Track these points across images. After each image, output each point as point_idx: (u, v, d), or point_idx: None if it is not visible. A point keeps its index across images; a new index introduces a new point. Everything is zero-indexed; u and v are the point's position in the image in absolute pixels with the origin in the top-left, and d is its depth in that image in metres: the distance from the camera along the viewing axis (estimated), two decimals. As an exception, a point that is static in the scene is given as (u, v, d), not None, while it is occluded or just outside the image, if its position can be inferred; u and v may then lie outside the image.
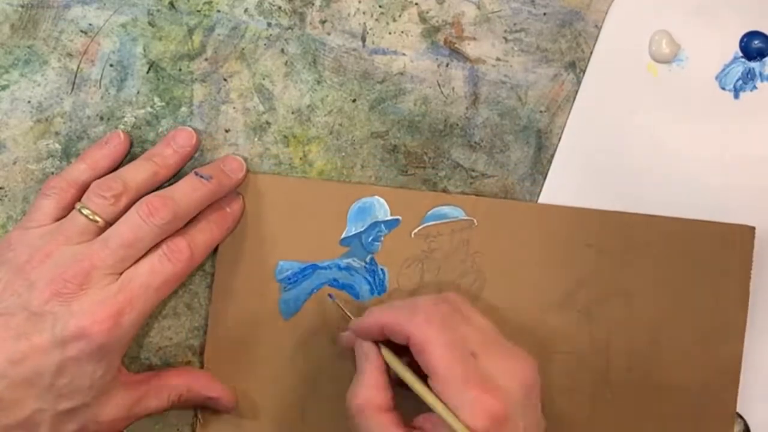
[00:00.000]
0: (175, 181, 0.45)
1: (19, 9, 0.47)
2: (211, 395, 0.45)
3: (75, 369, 0.40)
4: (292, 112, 0.48)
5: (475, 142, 0.48)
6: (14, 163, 0.47)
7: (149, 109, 0.48)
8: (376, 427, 0.39)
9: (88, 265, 0.41)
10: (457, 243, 0.47)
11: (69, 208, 0.43)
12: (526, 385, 0.39)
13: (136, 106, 0.47)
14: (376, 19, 0.48)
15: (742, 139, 0.48)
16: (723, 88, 0.48)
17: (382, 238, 0.47)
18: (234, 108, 0.48)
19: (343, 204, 0.47)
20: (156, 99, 0.48)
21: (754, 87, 0.48)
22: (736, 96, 0.48)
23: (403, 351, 0.41)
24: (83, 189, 0.44)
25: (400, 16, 0.48)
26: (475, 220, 0.47)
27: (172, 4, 0.48)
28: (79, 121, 0.47)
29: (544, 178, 0.48)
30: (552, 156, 0.48)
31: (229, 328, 0.46)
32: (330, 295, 0.46)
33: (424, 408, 0.39)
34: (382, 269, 0.47)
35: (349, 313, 0.44)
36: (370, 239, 0.47)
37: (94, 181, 0.43)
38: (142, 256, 0.42)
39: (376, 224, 0.47)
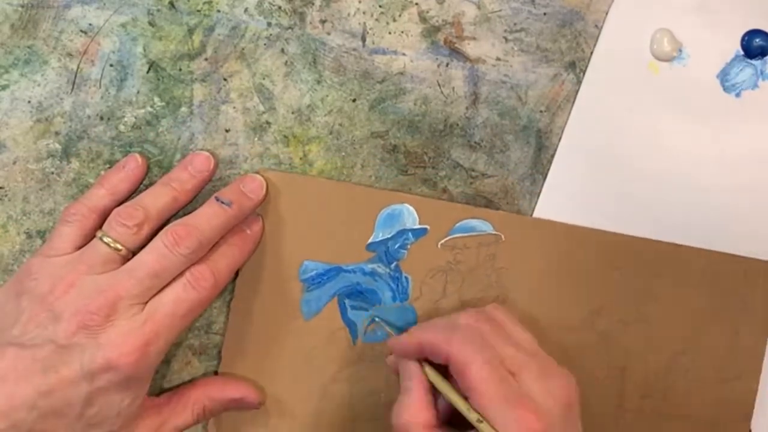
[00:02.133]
0: (195, 205, 0.45)
1: (19, 9, 0.47)
2: (233, 396, 0.45)
3: (104, 399, 0.40)
4: (292, 112, 0.48)
5: (475, 142, 0.48)
6: (14, 162, 0.47)
7: (149, 108, 0.48)
8: None
9: (114, 296, 0.40)
10: (483, 257, 0.47)
11: (90, 236, 0.43)
12: (566, 403, 0.39)
13: (136, 105, 0.47)
14: (376, 19, 0.48)
15: (743, 137, 0.48)
16: (724, 87, 0.48)
17: (409, 246, 0.47)
18: (234, 108, 0.48)
19: (372, 209, 0.47)
20: (156, 99, 0.48)
21: (756, 86, 0.47)
22: (738, 95, 0.48)
23: (446, 369, 0.41)
24: (104, 215, 0.44)
25: (400, 15, 0.48)
26: (502, 236, 0.47)
27: (172, 4, 0.48)
28: (79, 121, 0.47)
29: (544, 178, 0.48)
30: (552, 156, 0.48)
31: (249, 324, 0.46)
32: (375, 318, 0.46)
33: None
34: (406, 277, 0.47)
35: (392, 332, 0.45)
36: (396, 246, 0.47)
37: (115, 209, 0.43)
38: (167, 284, 0.42)
39: (403, 232, 0.47)
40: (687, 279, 0.47)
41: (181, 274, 0.42)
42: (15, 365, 0.40)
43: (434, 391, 0.41)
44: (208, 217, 0.43)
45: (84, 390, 0.40)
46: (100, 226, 0.43)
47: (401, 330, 0.46)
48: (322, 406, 0.47)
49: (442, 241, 0.47)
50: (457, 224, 0.47)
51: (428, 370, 0.41)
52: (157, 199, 0.44)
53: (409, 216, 0.47)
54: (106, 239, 0.42)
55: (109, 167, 0.47)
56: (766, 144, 0.48)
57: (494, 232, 0.47)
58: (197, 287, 0.42)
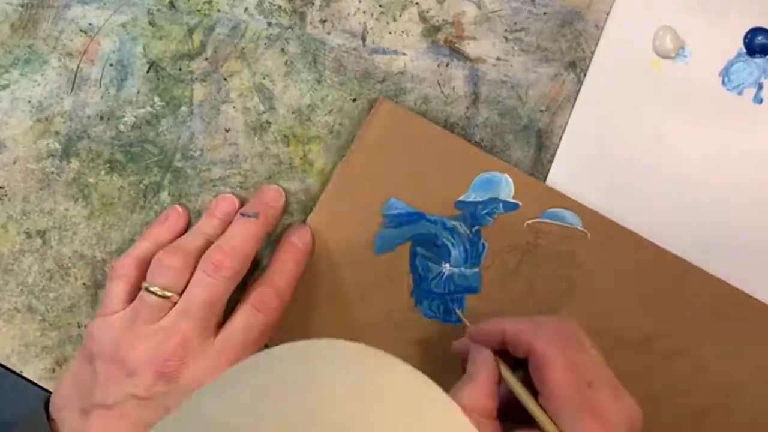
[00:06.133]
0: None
1: (19, 9, 0.47)
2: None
3: None
4: (293, 112, 0.48)
5: (476, 142, 0.48)
6: (14, 162, 0.47)
7: (149, 108, 0.48)
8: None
9: (181, 338, 0.41)
10: (564, 249, 0.46)
11: (139, 287, 0.43)
12: (633, 423, 0.38)
13: (136, 105, 0.47)
14: (377, 19, 0.48)
15: (745, 135, 0.47)
16: (726, 85, 0.47)
17: (496, 216, 0.46)
18: (234, 107, 0.48)
19: (472, 169, 0.46)
20: (156, 98, 0.48)
21: (758, 83, 0.47)
22: (740, 92, 0.47)
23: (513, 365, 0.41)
24: (149, 265, 0.44)
25: (400, 15, 0.48)
26: (589, 234, 0.46)
27: (172, 4, 0.48)
28: (79, 121, 0.47)
29: (545, 178, 0.47)
30: (552, 156, 0.48)
31: (322, 240, 0.47)
32: (456, 309, 0.46)
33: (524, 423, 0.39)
34: (483, 243, 0.46)
35: (467, 321, 0.44)
36: (484, 212, 0.46)
37: (155, 256, 0.43)
38: (234, 310, 0.42)
39: (495, 200, 0.46)
40: (752, 332, 0.46)
41: (245, 299, 0.43)
42: (105, 426, 0.40)
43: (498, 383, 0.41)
44: (239, 233, 0.44)
45: None
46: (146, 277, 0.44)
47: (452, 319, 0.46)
48: (366, 340, 0.46)
49: (530, 221, 0.46)
50: (549, 210, 0.46)
51: (500, 363, 0.40)
52: (192, 241, 0.44)
53: (506, 187, 0.46)
54: (153, 288, 0.42)
55: (110, 167, 0.47)
56: (767, 141, 0.47)
57: (582, 229, 0.46)
58: (263, 310, 0.43)
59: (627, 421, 0.38)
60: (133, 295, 0.43)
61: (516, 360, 0.40)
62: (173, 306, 0.42)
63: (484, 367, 0.40)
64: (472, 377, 0.40)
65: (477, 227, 0.46)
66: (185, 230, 0.47)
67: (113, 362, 0.41)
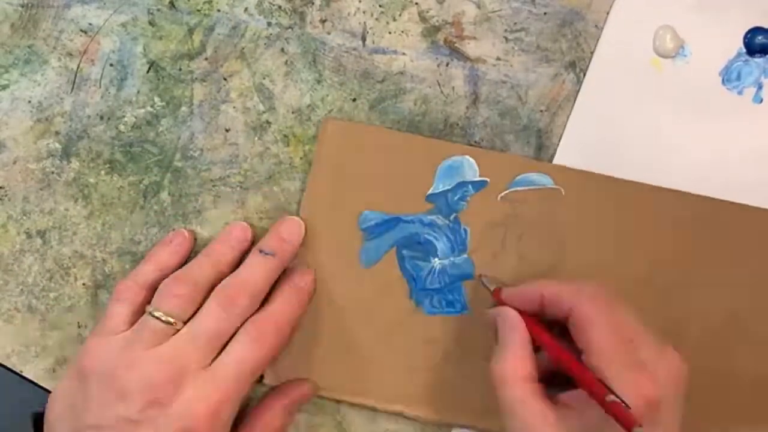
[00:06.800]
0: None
1: (19, 9, 0.47)
2: (293, 402, 0.46)
3: None
4: (293, 112, 0.48)
5: (475, 142, 0.48)
6: (14, 162, 0.47)
7: (149, 108, 0.48)
8: (519, 396, 0.39)
9: (179, 365, 0.41)
10: (542, 211, 0.46)
11: (141, 311, 0.43)
12: (679, 377, 0.39)
13: (136, 105, 0.48)
14: (376, 19, 0.48)
15: (745, 135, 0.47)
16: (727, 84, 0.47)
17: (468, 198, 0.47)
18: (234, 107, 0.48)
19: (432, 160, 0.47)
20: (156, 98, 0.48)
21: (758, 83, 0.47)
22: (740, 92, 0.47)
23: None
24: (153, 289, 0.44)
25: (400, 15, 0.48)
26: (562, 190, 0.46)
27: (172, 4, 0.48)
28: (79, 121, 0.47)
29: (545, 178, 0.48)
30: (552, 156, 0.48)
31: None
32: (481, 277, 0.46)
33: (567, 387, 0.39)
34: (464, 229, 0.47)
35: (498, 286, 0.44)
36: (456, 198, 0.47)
37: (164, 281, 0.43)
38: (231, 340, 0.42)
39: (463, 184, 0.47)
40: (750, 239, 0.46)
41: (244, 330, 0.43)
42: None
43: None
44: (254, 270, 0.44)
45: None
46: (149, 301, 0.43)
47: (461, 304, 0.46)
48: (379, 353, 0.46)
49: (502, 194, 0.46)
50: (518, 177, 0.46)
51: (535, 325, 0.41)
52: (203, 270, 0.44)
53: (470, 168, 0.47)
54: (157, 314, 0.42)
55: (110, 167, 0.47)
56: (767, 141, 0.47)
57: (554, 186, 0.46)
58: (261, 342, 0.42)
59: (671, 373, 0.39)
60: (134, 318, 0.43)
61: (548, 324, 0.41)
62: (175, 333, 0.42)
63: (514, 331, 0.41)
64: (505, 344, 0.41)
65: (454, 215, 0.47)
66: (190, 254, 0.46)
67: (107, 383, 0.41)
